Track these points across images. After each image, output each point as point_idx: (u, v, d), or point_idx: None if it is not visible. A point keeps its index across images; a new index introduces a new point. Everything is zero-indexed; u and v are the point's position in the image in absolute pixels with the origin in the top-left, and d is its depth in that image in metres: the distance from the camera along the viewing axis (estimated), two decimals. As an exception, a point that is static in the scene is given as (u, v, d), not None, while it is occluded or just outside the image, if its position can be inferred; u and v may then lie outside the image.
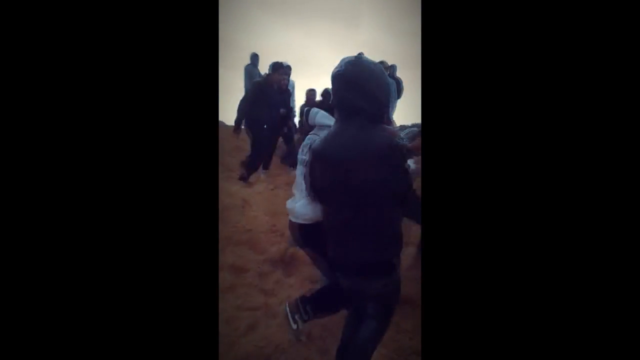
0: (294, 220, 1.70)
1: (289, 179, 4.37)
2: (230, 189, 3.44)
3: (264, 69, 6.48)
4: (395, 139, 1.12)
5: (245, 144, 5.50)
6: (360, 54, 1.18)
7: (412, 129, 2.12)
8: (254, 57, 6.47)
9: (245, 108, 4.12)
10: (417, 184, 1.27)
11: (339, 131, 1.19)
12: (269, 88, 3.81)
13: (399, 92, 4.98)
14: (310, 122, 1.73)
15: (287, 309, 1.55)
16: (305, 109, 1.80)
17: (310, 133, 1.70)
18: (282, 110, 4.14)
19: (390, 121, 1.63)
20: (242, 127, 6.12)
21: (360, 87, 1.13)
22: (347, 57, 1.17)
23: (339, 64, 1.17)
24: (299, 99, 5.28)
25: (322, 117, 1.69)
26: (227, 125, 5.69)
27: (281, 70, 3.70)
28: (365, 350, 1.40)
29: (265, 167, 4.32)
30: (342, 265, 1.25)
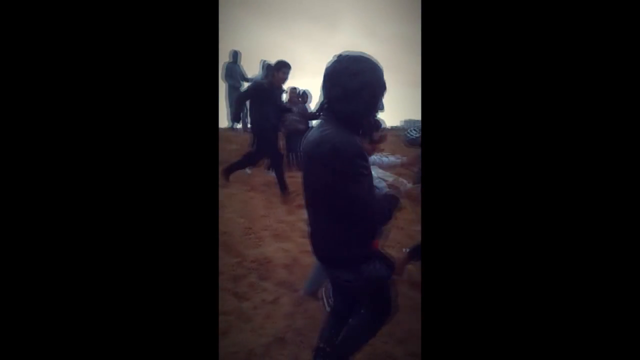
0: None
1: (265, 179, 4.33)
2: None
3: (246, 66, 6.43)
4: (343, 145, 1.06)
5: (226, 144, 5.41)
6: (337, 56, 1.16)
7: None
8: (234, 54, 6.38)
9: (242, 106, 4.03)
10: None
11: (316, 127, 1.19)
12: (274, 88, 3.75)
13: None
14: None
15: (324, 292, 1.64)
16: None
17: None
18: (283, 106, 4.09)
19: (373, 122, 1.58)
20: (239, 126, 5.99)
21: (340, 86, 1.10)
22: (342, 53, 1.14)
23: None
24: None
25: None
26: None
27: (284, 69, 3.66)
28: (342, 350, 1.44)
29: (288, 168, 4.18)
30: (317, 256, 1.33)
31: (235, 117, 4.58)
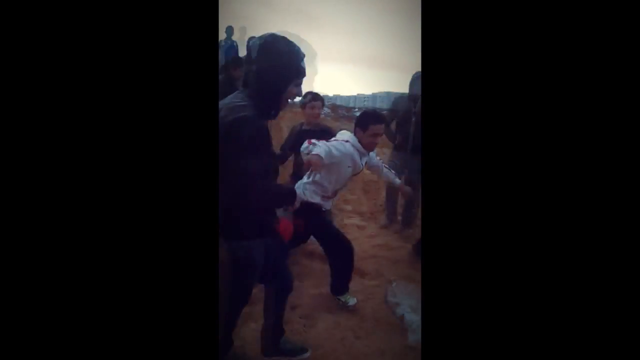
0: None
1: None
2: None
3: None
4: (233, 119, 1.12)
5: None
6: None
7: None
8: None
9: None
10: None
11: (233, 95, 1.26)
12: (233, 85, 3.60)
13: None
14: None
15: None
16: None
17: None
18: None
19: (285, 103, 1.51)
20: None
21: (260, 62, 1.19)
22: (273, 32, 1.22)
23: None
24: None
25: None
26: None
27: (242, 67, 3.54)
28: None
29: None
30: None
31: None
